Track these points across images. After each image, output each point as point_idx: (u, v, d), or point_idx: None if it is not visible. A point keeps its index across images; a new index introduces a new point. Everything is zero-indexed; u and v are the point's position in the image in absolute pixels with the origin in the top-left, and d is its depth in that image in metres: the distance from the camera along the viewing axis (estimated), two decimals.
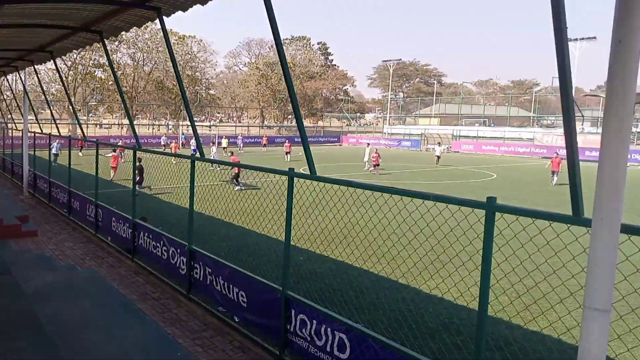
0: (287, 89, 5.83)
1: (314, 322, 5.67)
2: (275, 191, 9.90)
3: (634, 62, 2.74)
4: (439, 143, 40.34)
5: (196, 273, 8.09)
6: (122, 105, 70.46)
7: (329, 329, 5.48)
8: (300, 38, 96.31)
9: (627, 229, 3.02)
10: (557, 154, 26.23)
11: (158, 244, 9.32)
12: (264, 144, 52.54)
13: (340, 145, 63.31)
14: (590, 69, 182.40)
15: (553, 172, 24.88)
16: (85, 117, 66.50)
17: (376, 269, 9.46)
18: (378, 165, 27.44)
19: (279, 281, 6.26)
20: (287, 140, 42.66)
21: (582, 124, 63.62)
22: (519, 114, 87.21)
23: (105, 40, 10.68)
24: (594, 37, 51.25)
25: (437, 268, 8.78)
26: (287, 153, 38.19)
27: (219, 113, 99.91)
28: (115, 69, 67.88)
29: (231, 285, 7.18)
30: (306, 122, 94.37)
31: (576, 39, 51.84)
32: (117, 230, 11.06)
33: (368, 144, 36.72)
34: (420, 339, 6.20)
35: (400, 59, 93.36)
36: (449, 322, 7.22)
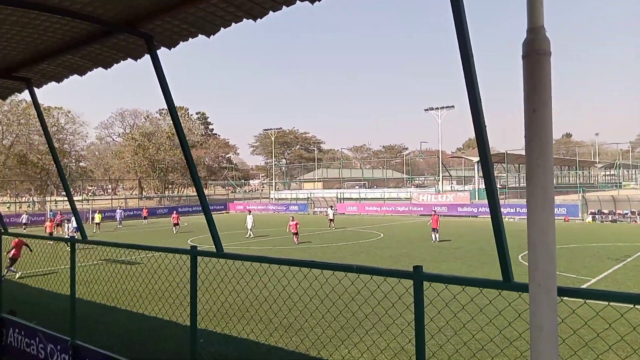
0: (185, 158, 5.50)
1: None
2: (163, 267, 9.15)
3: (549, 129, 2.90)
4: (331, 207, 41.30)
5: None
6: None
7: None
8: (178, 108, 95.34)
9: (561, 292, 3.09)
10: (435, 212, 28.04)
11: (33, 342, 8.00)
12: (145, 217, 49.73)
13: (227, 212, 62.15)
14: (451, 133, 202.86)
15: (433, 229, 26.32)
16: None
17: (284, 341, 9.01)
18: (297, 233, 26.28)
19: None
20: (174, 212, 40.78)
21: (451, 183, 69.58)
22: (394, 176, 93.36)
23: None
24: (453, 106, 57.28)
25: (347, 333, 8.62)
26: (175, 225, 36.38)
27: (91, 186, 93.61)
28: None
29: None
30: (190, 191, 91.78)
31: (438, 108, 57.63)
32: None
33: (249, 211, 35.57)
34: None
35: (281, 128, 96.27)
36: None
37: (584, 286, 14.20)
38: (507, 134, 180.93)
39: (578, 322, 8.56)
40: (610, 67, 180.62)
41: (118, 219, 44.96)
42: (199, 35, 5.49)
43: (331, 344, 8.27)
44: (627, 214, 36.51)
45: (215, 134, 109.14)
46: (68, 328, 7.15)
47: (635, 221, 35.73)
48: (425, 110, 58.92)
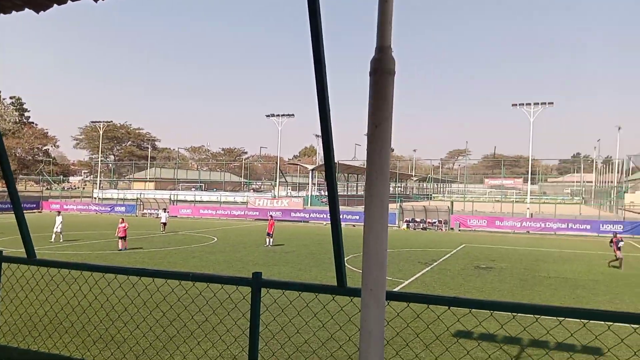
0: None
1: None
2: None
3: (388, 143, 3.09)
4: (165, 209, 38.46)
5: None
6: None
7: None
8: None
9: (390, 296, 3.30)
10: (272, 216, 28.51)
11: None
12: None
13: (40, 212, 55.34)
14: (290, 140, 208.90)
15: (268, 234, 26.70)
16: None
17: (103, 356, 8.24)
18: (125, 237, 23.98)
19: None
20: None
21: (286, 188, 71.54)
22: (232, 179, 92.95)
23: None
24: (293, 115, 59.14)
25: (177, 344, 8.23)
26: None
27: None
28: None
29: None
30: None
31: (279, 115, 58.95)
32: None
33: (59, 212, 30.57)
34: None
35: (112, 121, 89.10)
36: None
37: (398, 288, 15.67)
38: (339, 144, 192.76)
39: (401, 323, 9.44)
40: (427, 90, 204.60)
41: None
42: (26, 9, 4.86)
43: (159, 356, 7.81)
44: (435, 222, 41.47)
45: (32, 123, 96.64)
46: None
47: (442, 229, 40.77)
48: (267, 116, 59.84)
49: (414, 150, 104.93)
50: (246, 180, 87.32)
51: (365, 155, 3.13)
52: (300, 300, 4.11)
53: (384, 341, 3.04)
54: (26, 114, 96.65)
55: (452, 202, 47.65)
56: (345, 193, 67.54)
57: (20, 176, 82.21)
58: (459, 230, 40.29)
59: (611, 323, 2.79)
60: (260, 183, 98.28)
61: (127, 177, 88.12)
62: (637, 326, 2.81)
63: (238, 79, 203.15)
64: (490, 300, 3.26)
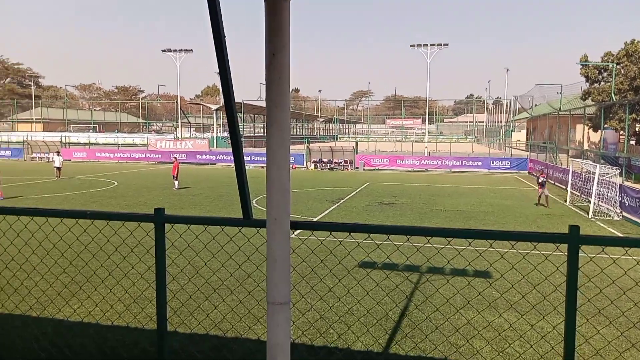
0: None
1: None
2: None
3: (287, 72, 3.08)
4: (58, 152, 34.45)
5: None
6: None
7: None
8: None
9: (293, 225, 3.39)
10: (176, 158, 27.60)
11: None
12: None
13: None
14: (190, 78, 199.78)
15: (174, 177, 25.92)
16: None
17: (7, 308, 7.77)
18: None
19: None
20: None
21: (189, 130, 69.17)
22: (128, 120, 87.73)
23: None
24: (191, 50, 56.22)
25: (72, 292, 7.96)
26: None
27: None
28: None
29: None
30: None
31: (176, 50, 55.74)
32: None
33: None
34: None
35: None
36: (99, 347, 6.61)
37: None
38: (244, 84, 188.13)
39: (306, 251, 9.78)
40: (334, 28, 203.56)
41: None
42: None
43: (55, 304, 7.51)
44: (341, 162, 42.61)
45: None
46: None
47: (347, 169, 42.05)
48: (163, 51, 56.30)
49: (320, 91, 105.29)
50: (145, 121, 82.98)
51: (265, 89, 3.10)
52: (206, 234, 4.10)
53: (291, 268, 3.16)
54: None
55: (356, 143, 49.04)
56: (252, 134, 66.78)
57: None
58: (364, 169, 41.82)
59: (493, 241, 3.10)
60: (161, 124, 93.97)
61: (10, 117, 79.96)
62: (514, 242, 3.17)
63: (126, 4, 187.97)
64: (386, 224, 3.51)
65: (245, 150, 48.21)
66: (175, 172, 25.81)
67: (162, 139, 52.91)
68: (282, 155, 3.10)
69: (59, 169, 31.32)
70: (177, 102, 61.70)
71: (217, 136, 55.97)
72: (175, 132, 63.63)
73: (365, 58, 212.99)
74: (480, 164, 41.14)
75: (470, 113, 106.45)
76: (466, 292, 8.69)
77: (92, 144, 52.86)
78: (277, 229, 3.12)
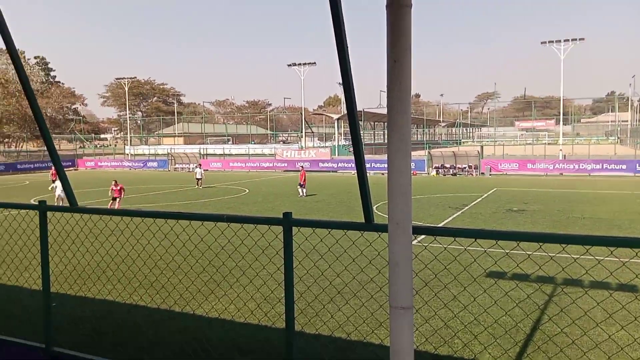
0: (32, 110, 4.90)
1: None
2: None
3: (408, 78, 3.09)
4: (199, 165, 36.56)
5: None
6: None
7: None
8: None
9: (416, 230, 3.39)
10: (302, 167, 28.51)
11: None
12: None
13: (77, 169, 57.09)
14: (313, 90, 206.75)
15: (300, 185, 26.60)
16: None
17: (144, 301, 8.73)
18: (118, 199, 20.23)
19: (32, 337, 5.25)
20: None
21: (312, 139, 71.50)
22: (258, 132, 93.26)
23: None
24: (314, 63, 58.24)
25: (211, 289, 8.64)
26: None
27: None
28: None
29: None
30: (30, 146, 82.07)
31: (300, 64, 58.17)
32: None
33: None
34: None
35: (135, 77, 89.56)
36: (234, 343, 7.12)
37: None
38: (364, 92, 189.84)
39: (429, 257, 9.61)
40: (456, 31, 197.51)
41: None
42: None
43: (196, 300, 8.23)
44: (465, 167, 41.12)
45: (59, 82, 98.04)
46: None
47: (472, 174, 40.43)
48: (289, 65, 59.09)
49: (441, 95, 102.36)
50: (272, 132, 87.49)
51: (379, 102, 3.14)
52: (330, 238, 4.25)
53: (413, 273, 3.16)
54: (52, 73, 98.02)
55: (482, 147, 46.97)
56: (372, 142, 67.17)
57: (53, 135, 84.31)
58: (490, 174, 39.88)
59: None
60: (287, 135, 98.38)
61: (156, 132, 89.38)
62: None
63: (257, 29, 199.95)
64: (515, 230, 3.32)
65: (366, 157, 48.57)
66: (303, 180, 26.54)
67: (288, 148, 55.43)
68: (403, 160, 3.11)
69: (199, 180, 32.97)
70: (301, 114, 64.23)
71: (338, 144, 57.17)
72: (299, 142, 66.27)
73: (490, 58, 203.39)
74: (624, 167, 37.04)
75: (612, 112, 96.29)
76: (607, 305, 7.88)
77: (226, 154, 57.01)
78: (399, 233, 3.14)
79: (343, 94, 3.62)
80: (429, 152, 43.71)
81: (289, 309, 3.91)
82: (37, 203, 4.90)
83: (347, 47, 3.46)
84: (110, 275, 7.90)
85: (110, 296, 8.69)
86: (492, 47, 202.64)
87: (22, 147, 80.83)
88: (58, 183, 24.63)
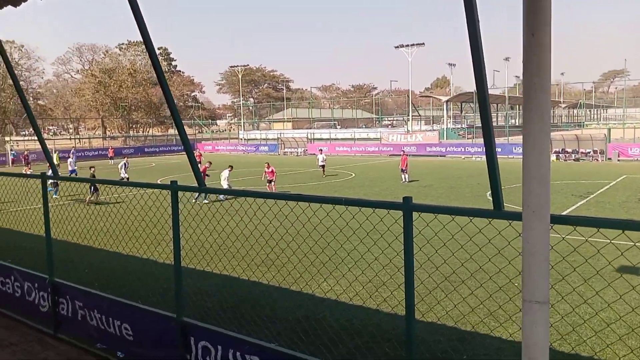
0: (165, 97, 5.26)
1: (219, 348, 5.18)
2: (140, 205, 8.99)
3: (547, 52, 2.83)
4: (321, 150, 32.46)
5: (62, 309, 6.99)
6: None
7: (237, 354, 5.04)
8: (139, 43, 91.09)
9: (554, 219, 3.13)
10: (404, 152, 28.06)
11: (8, 280, 7.89)
12: (111, 157, 48.59)
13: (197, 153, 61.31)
14: (419, 72, 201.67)
15: (402, 170, 26.01)
16: None
17: (266, 278, 9.13)
18: (273, 181, 22.63)
19: (163, 306, 5.72)
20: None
21: (419, 122, 69.92)
22: (363, 116, 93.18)
23: None
24: (423, 44, 56.60)
25: (329, 270, 8.82)
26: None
27: (52, 125, 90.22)
28: None
29: (111, 319, 6.31)
30: (155, 131, 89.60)
31: (408, 45, 56.84)
32: None
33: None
34: (332, 347, 6.05)
35: (248, 65, 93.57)
36: (349, 324, 7.21)
37: None
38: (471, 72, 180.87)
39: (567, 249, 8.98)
40: (576, 6, 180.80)
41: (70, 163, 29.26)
42: None
43: (315, 280, 8.42)
44: (589, 152, 37.76)
45: (179, 71, 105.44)
46: (45, 266, 7.05)
47: (597, 160, 37.04)
48: (396, 47, 58.05)
49: (562, 74, 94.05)
50: (378, 116, 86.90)
51: (522, 73, 2.90)
52: (453, 225, 4.09)
53: (549, 265, 2.92)
54: (173, 63, 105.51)
55: (609, 130, 42.72)
56: (495, 124, 64.02)
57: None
58: (618, 160, 36.21)
59: None
60: (392, 118, 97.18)
61: (267, 118, 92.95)
62: None
63: (363, 9, 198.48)
64: None
65: (478, 141, 46.55)
66: (404, 165, 26.08)
67: (394, 132, 54.76)
68: (543, 141, 2.86)
69: (322, 167, 30.02)
70: (408, 96, 63.03)
71: (447, 128, 55.35)
72: (405, 126, 65.16)
73: (619, 33, 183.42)
74: None
75: None
76: None
77: (332, 139, 57.75)
78: (535, 221, 2.91)
79: (473, 73, 3.42)
80: None
81: (409, 296, 3.83)
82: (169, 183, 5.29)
83: (478, 20, 3.27)
84: (235, 252, 8.37)
85: (234, 272, 9.19)
86: (621, 20, 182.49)
87: (148, 132, 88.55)
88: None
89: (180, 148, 62.36)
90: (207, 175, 20.31)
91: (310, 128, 71.66)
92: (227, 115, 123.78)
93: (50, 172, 7.55)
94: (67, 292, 6.87)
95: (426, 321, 6.90)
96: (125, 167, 25.11)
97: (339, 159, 46.30)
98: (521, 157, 2.92)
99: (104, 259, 10.85)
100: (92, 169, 21.84)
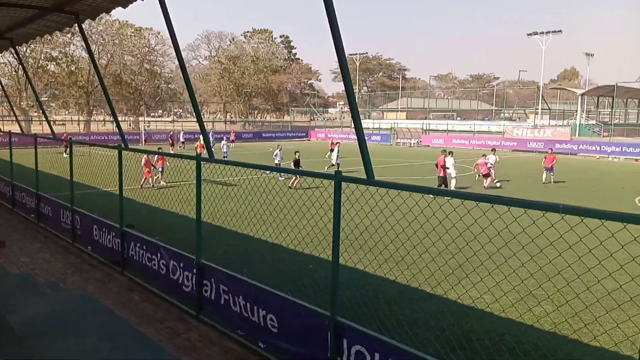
0: (345, 85, 4.90)
1: (376, 356, 4.74)
2: (257, 189, 8.87)
3: None
4: (494, 150, 24.76)
5: (206, 291, 7.03)
6: (82, 100, 67.01)
7: None
8: (262, 31, 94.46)
9: None
10: (552, 150, 25.05)
11: (154, 257, 8.17)
12: (232, 140, 50.97)
13: (309, 140, 62.37)
14: (543, 63, 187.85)
15: (546, 169, 23.26)
16: (37, 114, 62.82)
17: (393, 274, 8.60)
18: (488, 175, 21.20)
19: (313, 302, 5.43)
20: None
21: (542, 117, 64.59)
22: (481, 107, 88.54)
23: (82, 23, 9.43)
24: (560, 31, 51.86)
25: (466, 272, 8.09)
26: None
27: (178, 108, 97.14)
28: (69, 63, 64.68)
29: (255, 307, 6.18)
30: (271, 117, 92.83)
31: (543, 33, 52.46)
32: (100, 239, 9.80)
33: (338, 142, 29.15)
34: None
35: (366, 53, 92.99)
36: (499, 339, 6.45)
37: None
38: (613, 63, 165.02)
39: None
40: None
41: (181, 140, 45.13)
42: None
43: (448, 282, 7.75)
44: None
45: (298, 59, 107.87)
46: (192, 247, 7.11)
47: None
48: (529, 34, 53.81)
49: None
50: (498, 109, 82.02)
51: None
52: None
53: None
54: (293, 51, 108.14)
55: None
56: (624, 122, 57.65)
57: (291, 108, 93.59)
58: None
59: None
60: (512, 111, 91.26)
61: (380, 107, 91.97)
62: None
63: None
64: None
65: (616, 140, 41.96)
66: (550, 165, 23.24)
67: (519, 126, 51.02)
68: None
69: (486, 176, 21.60)
70: (538, 88, 58.33)
71: (580, 123, 50.53)
72: (530, 119, 60.66)
73: None
74: None
75: None
76: None
77: (449, 130, 55.42)
78: None
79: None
80: None
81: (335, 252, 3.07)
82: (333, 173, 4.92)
83: None
84: (363, 244, 8.01)
85: (360, 264, 8.79)
86: None
87: (265, 117, 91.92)
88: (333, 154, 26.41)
89: (294, 134, 63.86)
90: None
91: (426, 118, 69.45)
92: (338, 104, 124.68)
93: (205, 154, 7.60)
94: (212, 275, 6.88)
95: (581, 342, 5.83)
96: (279, 155, 23.61)
97: (457, 151, 44.29)
98: None
99: (246, 243, 10.96)
100: (297, 154, 21.64)
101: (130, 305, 7.65)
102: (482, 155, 22.29)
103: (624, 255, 4.30)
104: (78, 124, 58.38)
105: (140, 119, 68.54)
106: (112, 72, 69.50)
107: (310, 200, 8.16)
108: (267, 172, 20.11)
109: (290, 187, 18.27)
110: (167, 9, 6.99)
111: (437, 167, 19.81)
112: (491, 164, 22.05)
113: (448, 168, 19.49)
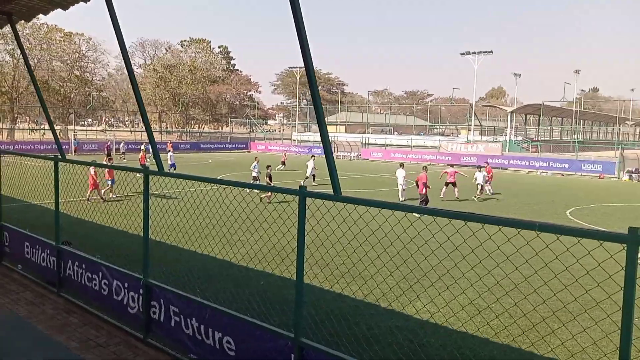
0: (312, 95, 4.70)
1: None
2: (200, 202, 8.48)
3: None
4: (487, 163, 27.15)
5: (154, 312, 6.57)
6: (5, 107, 62.63)
7: None
8: (200, 40, 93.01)
9: None
10: (488, 163, 25.96)
11: (95, 276, 7.58)
12: (169, 151, 49.35)
13: (249, 152, 61.64)
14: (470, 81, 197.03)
15: (445, 184, 23.32)
16: None
17: (350, 289, 8.49)
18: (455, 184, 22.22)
19: (272, 321, 5.19)
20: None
21: (474, 133, 67.61)
22: (416, 123, 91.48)
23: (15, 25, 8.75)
24: (491, 51, 54.73)
25: (424, 287, 8.10)
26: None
27: (112, 117, 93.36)
28: None
29: (210, 329, 5.82)
30: (209, 128, 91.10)
31: (475, 53, 55.11)
32: (32, 257, 9.01)
33: (313, 156, 28.07)
34: None
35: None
36: (458, 353, 6.46)
37: None
38: (540, 84, 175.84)
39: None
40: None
41: (122, 151, 43.87)
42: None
43: (406, 296, 7.73)
44: None
45: (238, 70, 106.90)
46: (140, 266, 6.62)
47: None
48: (462, 54, 56.39)
49: (632, 90, 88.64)
50: (432, 124, 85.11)
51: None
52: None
53: None
54: (232, 62, 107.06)
55: None
56: (549, 138, 61.41)
57: (230, 119, 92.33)
58: None
59: None
60: (445, 127, 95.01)
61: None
62: None
63: (423, 19, 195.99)
64: None
65: (543, 155, 44.51)
66: (490, 177, 24.06)
67: (453, 141, 53.08)
68: None
69: (482, 187, 23.80)
70: (470, 105, 61.14)
71: (509, 139, 53.25)
72: (463, 135, 63.26)
73: None
74: None
75: None
76: None
77: (387, 145, 56.65)
78: None
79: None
80: (621, 154, 38.34)
81: (300, 267, 3.08)
82: (297, 188, 4.72)
83: None
84: (319, 259, 7.86)
85: (316, 280, 8.59)
86: None
87: (202, 128, 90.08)
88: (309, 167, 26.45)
89: (233, 146, 62.93)
90: None
91: (365, 132, 70.72)
92: (278, 116, 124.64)
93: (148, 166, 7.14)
94: (161, 296, 6.44)
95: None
96: (256, 168, 22.78)
97: (394, 165, 45.30)
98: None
99: (194, 260, 10.42)
100: (269, 168, 21.59)
101: (69, 329, 7.02)
102: (449, 165, 23.44)
103: (578, 266, 4.39)
104: (1, 133, 54.52)
105: (70, 127, 65.11)
106: (39, 78, 65.58)
107: (263, 215, 7.91)
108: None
109: (261, 200, 18.45)
110: (114, 10, 6.57)
111: (416, 184, 19.45)
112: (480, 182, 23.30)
113: (429, 187, 19.07)
